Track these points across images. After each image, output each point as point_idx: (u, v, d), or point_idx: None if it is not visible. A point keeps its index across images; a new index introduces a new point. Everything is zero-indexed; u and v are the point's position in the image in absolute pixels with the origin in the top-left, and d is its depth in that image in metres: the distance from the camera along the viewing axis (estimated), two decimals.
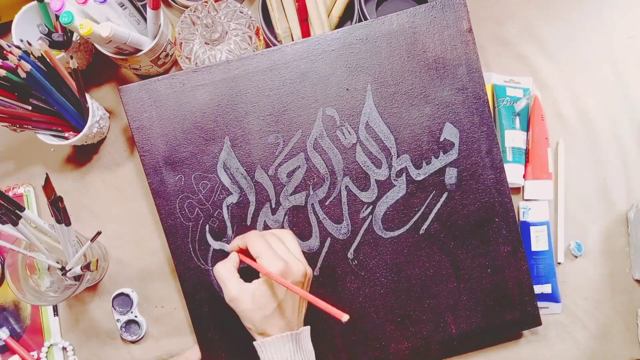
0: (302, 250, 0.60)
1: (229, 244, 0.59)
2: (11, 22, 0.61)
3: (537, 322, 0.62)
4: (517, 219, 0.63)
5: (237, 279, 0.50)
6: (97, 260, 0.54)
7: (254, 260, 0.50)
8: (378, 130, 0.60)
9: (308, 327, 0.52)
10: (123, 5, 0.58)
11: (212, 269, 0.59)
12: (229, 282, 0.50)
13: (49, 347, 0.64)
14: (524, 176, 0.65)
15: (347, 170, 0.60)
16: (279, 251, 0.50)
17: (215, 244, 0.60)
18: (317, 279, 0.60)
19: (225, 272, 0.51)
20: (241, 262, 0.52)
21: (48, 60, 0.56)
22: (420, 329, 0.61)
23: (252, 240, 0.51)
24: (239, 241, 0.53)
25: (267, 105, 0.59)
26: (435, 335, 0.61)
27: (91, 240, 0.55)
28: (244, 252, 0.52)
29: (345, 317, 0.42)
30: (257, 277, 0.50)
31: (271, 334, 0.49)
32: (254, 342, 0.50)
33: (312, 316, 0.60)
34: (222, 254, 0.59)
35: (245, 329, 0.51)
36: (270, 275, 0.47)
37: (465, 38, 0.59)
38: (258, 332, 0.50)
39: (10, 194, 0.65)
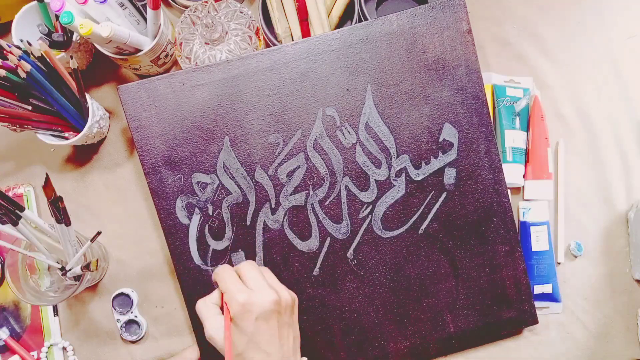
0: (302, 251, 0.60)
1: (229, 242, 0.59)
2: (11, 22, 0.61)
3: (534, 320, 0.62)
4: (515, 219, 0.63)
5: (215, 317, 0.49)
6: (97, 260, 0.54)
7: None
8: (378, 130, 0.60)
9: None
10: (123, 5, 0.58)
11: (211, 270, 0.59)
12: (207, 320, 0.49)
13: (49, 347, 0.64)
14: (524, 176, 0.65)
15: (346, 170, 0.60)
16: (250, 281, 0.49)
17: (214, 244, 0.60)
18: (317, 279, 0.60)
19: (204, 310, 0.50)
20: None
21: (48, 60, 0.56)
22: (418, 328, 0.61)
23: (220, 275, 0.50)
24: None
25: (267, 105, 0.59)
26: (434, 334, 0.61)
27: (91, 240, 0.55)
28: None
29: None
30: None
31: None
32: None
33: (312, 315, 0.60)
34: (221, 255, 0.60)
35: None
36: (225, 314, 0.47)
37: (464, 39, 0.60)
38: None
39: (10, 194, 0.65)
